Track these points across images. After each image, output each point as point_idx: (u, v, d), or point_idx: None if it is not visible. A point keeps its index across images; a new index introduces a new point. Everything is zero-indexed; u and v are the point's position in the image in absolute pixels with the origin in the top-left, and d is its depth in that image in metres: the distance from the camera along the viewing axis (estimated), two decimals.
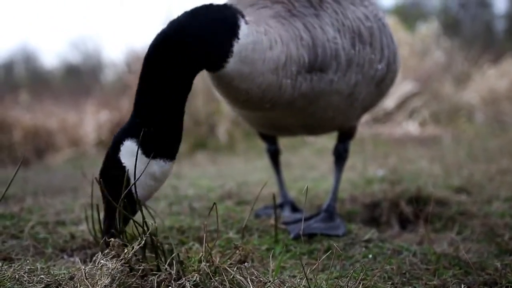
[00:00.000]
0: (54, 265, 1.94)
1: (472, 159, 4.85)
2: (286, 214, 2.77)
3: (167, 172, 1.88)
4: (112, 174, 1.79)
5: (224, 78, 1.91)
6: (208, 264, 1.71)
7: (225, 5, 1.92)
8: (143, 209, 1.82)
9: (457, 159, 4.80)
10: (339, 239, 2.28)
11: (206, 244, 1.78)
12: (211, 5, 1.88)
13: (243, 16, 1.89)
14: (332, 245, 2.16)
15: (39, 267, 1.82)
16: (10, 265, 1.86)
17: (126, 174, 1.78)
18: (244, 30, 1.86)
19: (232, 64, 1.85)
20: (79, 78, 19.14)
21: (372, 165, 4.54)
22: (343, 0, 2.21)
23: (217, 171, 5.02)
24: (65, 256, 2.15)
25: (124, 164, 1.78)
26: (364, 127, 7.28)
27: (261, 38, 1.90)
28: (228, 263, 1.80)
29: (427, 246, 2.21)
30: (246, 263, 1.84)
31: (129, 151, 1.77)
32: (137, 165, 1.74)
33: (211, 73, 1.95)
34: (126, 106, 7.43)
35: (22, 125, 7.05)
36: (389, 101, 7.94)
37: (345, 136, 2.61)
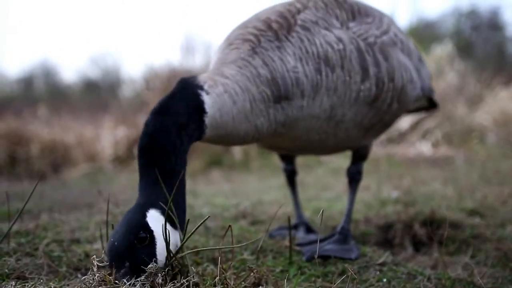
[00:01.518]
0: (67, 285, 1.94)
1: (485, 181, 4.83)
2: (301, 235, 2.77)
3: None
4: (140, 236, 1.81)
5: (207, 140, 2.18)
6: (222, 286, 1.72)
7: (183, 86, 2.08)
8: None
9: (470, 181, 4.78)
10: (353, 262, 2.28)
11: (221, 266, 1.81)
12: (175, 95, 2.05)
13: (201, 88, 2.07)
14: (346, 268, 2.16)
15: (52, 287, 1.83)
16: (23, 284, 1.87)
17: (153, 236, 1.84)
18: (208, 102, 2.06)
19: (208, 132, 2.09)
20: (98, 94, 19.28)
21: (386, 186, 4.54)
22: (315, 26, 2.27)
23: (232, 189, 5.04)
24: (79, 275, 2.12)
25: (152, 228, 1.84)
26: (378, 147, 7.29)
27: (224, 100, 2.09)
28: (243, 285, 1.81)
29: (441, 271, 2.20)
30: (260, 286, 1.86)
31: (155, 217, 1.86)
32: (164, 234, 1.81)
33: None
34: (142, 122, 7.45)
35: (40, 139, 7.11)
36: (403, 122, 7.94)
37: (357, 157, 2.62)
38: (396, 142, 7.88)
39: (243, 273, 2.00)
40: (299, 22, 2.25)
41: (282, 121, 2.19)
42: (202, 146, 7.26)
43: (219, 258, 1.82)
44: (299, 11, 2.29)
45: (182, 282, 1.73)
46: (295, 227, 2.84)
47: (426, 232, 2.80)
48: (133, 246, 1.79)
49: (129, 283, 1.72)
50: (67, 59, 33.12)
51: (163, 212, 1.87)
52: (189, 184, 5.48)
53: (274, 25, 2.24)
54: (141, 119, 7.46)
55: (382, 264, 2.28)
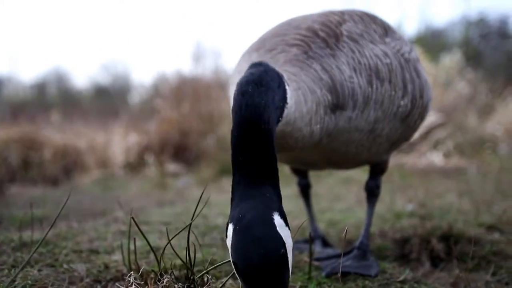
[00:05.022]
0: None
1: (501, 194, 4.77)
2: (317, 249, 2.75)
3: None
4: (282, 251, 1.51)
5: None
6: None
7: (267, 69, 1.81)
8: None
9: (485, 194, 4.72)
10: (373, 279, 2.25)
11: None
12: (267, 72, 1.79)
13: (282, 77, 1.85)
14: (367, 285, 2.14)
15: None
16: None
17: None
18: (289, 93, 1.85)
19: (279, 125, 1.84)
20: (108, 99, 19.42)
21: (399, 198, 4.50)
22: (361, 38, 2.21)
23: None
24: (99, 287, 2.13)
25: (284, 240, 1.55)
26: None
27: (298, 95, 1.91)
28: None
29: None
30: None
31: (280, 225, 1.54)
32: (286, 236, 1.56)
33: None
34: (153, 129, 7.51)
35: (53, 144, 7.19)
36: None
37: (376, 171, 2.62)
38: (405, 151, 7.84)
39: None
40: (345, 33, 2.18)
41: (330, 131, 2.08)
42: (212, 154, 7.26)
43: None
44: (340, 23, 2.22)
45: None
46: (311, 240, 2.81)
47: (444, 248, 2.77)
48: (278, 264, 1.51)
49: None
50: (78, 65, 33.43)
51: (280, 215, 1.58)
52: (200, 193, 5.45)
53: (321, 33, 2.14)
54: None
55: (403, 281, 2.25)
